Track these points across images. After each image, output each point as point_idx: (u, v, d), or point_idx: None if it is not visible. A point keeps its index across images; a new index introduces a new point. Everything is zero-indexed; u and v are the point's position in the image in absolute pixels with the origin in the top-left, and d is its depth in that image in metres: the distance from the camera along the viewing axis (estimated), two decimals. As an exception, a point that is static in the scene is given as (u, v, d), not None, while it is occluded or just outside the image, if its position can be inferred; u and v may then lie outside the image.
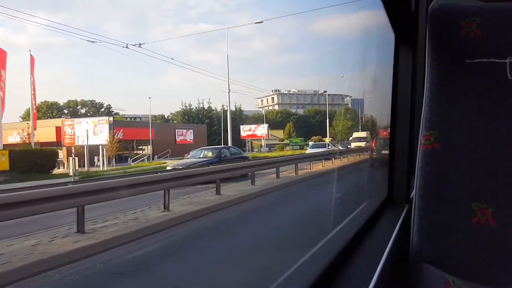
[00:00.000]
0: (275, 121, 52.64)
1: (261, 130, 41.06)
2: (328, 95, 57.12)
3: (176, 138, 37.33)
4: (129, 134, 31.10)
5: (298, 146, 38.96)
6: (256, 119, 47.91)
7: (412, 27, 1.49)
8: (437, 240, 1.01)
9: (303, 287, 0.87)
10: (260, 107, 66.90)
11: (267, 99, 67.23)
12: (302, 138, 41.91)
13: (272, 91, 62.77)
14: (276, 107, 64.30)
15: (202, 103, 44.92)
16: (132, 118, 49.66)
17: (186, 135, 38.82)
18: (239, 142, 42.32)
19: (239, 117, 47.03)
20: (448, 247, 1.00)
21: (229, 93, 28.45)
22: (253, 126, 42.06)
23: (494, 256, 0.97)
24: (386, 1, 1.32)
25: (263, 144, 39.41)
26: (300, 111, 60.59)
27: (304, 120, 54.07)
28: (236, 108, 48.20)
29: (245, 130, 41.63)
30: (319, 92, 58.93)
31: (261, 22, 28.63)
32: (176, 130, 38.61)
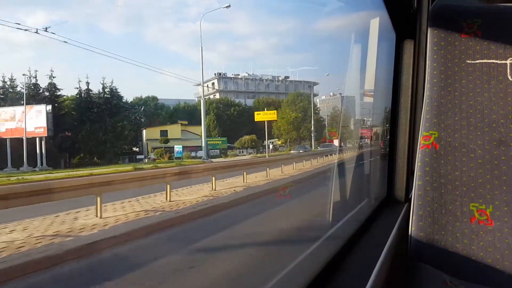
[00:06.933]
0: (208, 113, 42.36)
1: (35, 119, 12.51)
2: (291, 81, 45.58)
3: None
4: None
5: (217, 150, 26.44)
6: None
7: (413, 27, 1.55)
8: (435, 240, 1.05)
9: (301, 285, 0.90)
10: (200, 96, 57.93)
11: (207, 85, 55.13)
12: (224, 138, 29.27)
13: (215, 74, 46.68)
14: (218, 95, 54.02)
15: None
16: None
17: None
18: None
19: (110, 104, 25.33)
20: (446, 247, 1.05)
21: None
22: (18, 111, 12.33)
23: (492, 256, 1.02)
24: (388, 1, 1.37)
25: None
26: (250, 102, 44.95)
27: (250, 114, 39.85)
28: (102, 90, 21.73)
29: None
30: (279, 78, 46.41)
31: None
32: None
